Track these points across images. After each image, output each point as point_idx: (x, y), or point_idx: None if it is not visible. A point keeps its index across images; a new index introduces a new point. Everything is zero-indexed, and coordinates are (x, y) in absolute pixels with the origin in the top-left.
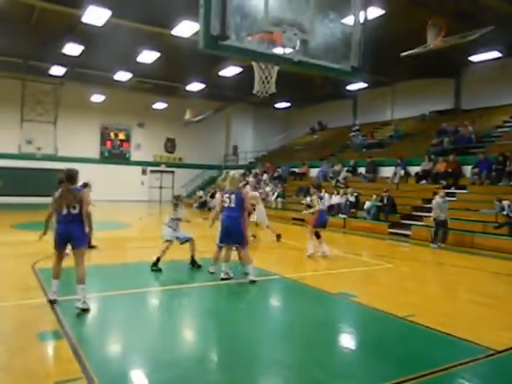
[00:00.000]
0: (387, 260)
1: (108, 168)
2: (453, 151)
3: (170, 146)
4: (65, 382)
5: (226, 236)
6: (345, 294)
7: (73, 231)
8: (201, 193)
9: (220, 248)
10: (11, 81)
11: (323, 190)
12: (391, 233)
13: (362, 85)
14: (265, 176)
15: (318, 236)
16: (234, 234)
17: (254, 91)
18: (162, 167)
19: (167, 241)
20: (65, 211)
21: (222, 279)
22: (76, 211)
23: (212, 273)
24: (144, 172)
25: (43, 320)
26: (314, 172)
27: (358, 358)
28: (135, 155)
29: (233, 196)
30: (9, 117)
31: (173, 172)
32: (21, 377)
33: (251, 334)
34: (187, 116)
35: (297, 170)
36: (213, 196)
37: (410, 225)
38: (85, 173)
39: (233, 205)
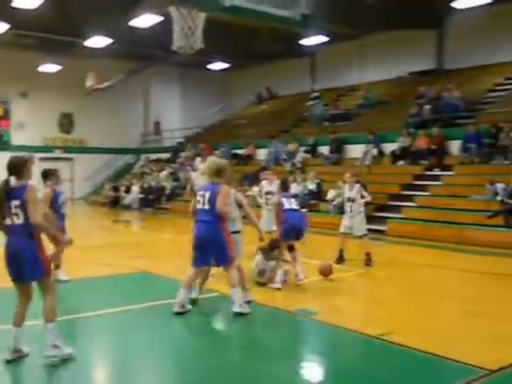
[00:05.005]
0: (357, 264)
1: None
2: (435, 122)
3: (67, 123)
4: None
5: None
6: (303, 311)
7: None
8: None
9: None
10: None
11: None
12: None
13: (320, 38)
14: (197, 160)
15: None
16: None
17: (174, 47)
18: (57, 153)
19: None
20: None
21: (177, 313)
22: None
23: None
24: None
25: None
26: (262, 154)
27: None
28: (17, 137)
29: (207, 192)
30: None
31: (71, 159)
32: None
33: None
34: (89, 82)
35: (240, 151)
36: (128, 190)
37: (386, 218)
38: None
39: (206, 206)
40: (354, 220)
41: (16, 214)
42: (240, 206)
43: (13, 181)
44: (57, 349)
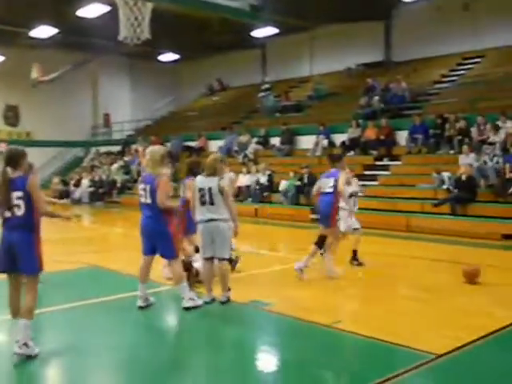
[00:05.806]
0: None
1: None
2: (384, 113)
3: (12, 116)
4: None
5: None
6: (256, 303)
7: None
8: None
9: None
10: None
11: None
12: (315, 219)
13: (271, 30)
14: None
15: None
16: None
17: (121, 37)
18: (2, 146)
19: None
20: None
21: (140, 307)
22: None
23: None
24: None
25: None
26: (214, 146)
27: (276, 381)
28: None
29: (148, 186)
30: None
31: None
32: None
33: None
34: (35, 74)
35: (192, 143)
36: (78, 184)
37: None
38: None
39: (149, 200)
40: (353, 216)
41: (17, 206)
42: (222, 193)
43: (9, 171)
44: (26, 348)
